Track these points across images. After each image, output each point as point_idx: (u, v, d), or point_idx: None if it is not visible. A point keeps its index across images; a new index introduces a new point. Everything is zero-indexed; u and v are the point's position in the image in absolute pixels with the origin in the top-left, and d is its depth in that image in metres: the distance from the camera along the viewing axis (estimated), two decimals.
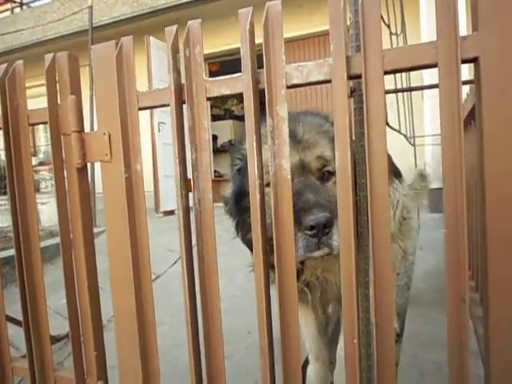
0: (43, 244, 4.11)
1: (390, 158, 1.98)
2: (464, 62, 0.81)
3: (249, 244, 1.44)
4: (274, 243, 0.97)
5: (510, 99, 0.78)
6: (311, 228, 1.20)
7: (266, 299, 0.99)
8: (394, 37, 2.63)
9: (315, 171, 1.38)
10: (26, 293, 1.31)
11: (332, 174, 1.36)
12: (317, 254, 1.25)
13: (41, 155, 8.20)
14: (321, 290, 1.54)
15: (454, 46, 0.79)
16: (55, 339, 2.47)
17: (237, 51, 0.96)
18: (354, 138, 1.02)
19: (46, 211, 5.13)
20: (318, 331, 1.88)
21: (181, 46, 1.03)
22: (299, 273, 1.47)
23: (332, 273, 1.45)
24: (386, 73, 0.87)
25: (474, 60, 0.81)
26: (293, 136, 1.32)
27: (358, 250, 0.94)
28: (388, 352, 0.89)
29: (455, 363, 0.84)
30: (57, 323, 2.28)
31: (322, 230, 1.20)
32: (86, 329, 1.23)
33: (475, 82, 0.83)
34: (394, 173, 2.03)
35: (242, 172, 1.46)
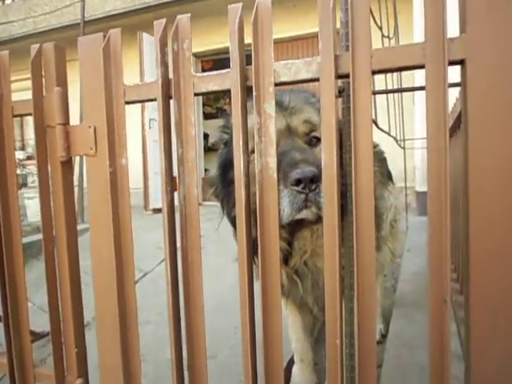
0: (29, 239, 4.05)
1: (385, 160, 1.98)
2: (451, 63, 0.81)
3: (234, 221, 1.40)
4: (259, 242, 0.96)
5: (496, 102, 0.78)
6: (298, 182, 1.16)
7: (249, 290, 0.98)
8: (386, 40, 2.64)
9: (302, 135, 1.36)
10: (6, 289, 1.29)
11: (320, 140, 1.34)
12: (304, 214, 1.21)
13: (29, 149, 8.11)
14: (311, 278, 1.50)
15: (441, 47, 0.79)
16: (39, 336, 2.44)
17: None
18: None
19: (33, 206, 5.06)
20: (304, 331, 1.88)
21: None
22: (288, 257, 1.44)
23: (321, 258, 1.41)
24: (374, 72, 0.87)
25: (461, 62, 0.81)
26: (279, 105, 1.31)
27: (342, 245, 0.94)
28: (369, 352, 0.89)
29: (436, 364, 0.84)
30: (41, 320, 2.25)
31: (309, 185, 1.16)
32: (66, 326, 1.21)
33: (462, 84, 0.83)
34: (389, 176, 2.03)
35: (229, 144, 1.41)
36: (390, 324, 2.06)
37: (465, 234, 0.85)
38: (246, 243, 0.96)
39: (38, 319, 2.18)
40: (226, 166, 1.41)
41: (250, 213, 0.97)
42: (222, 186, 1.48)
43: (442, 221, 0.82)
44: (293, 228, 1.36)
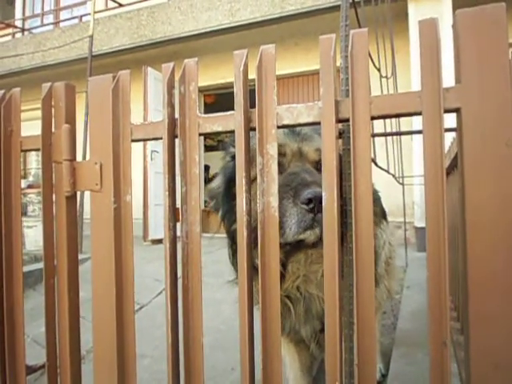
0: (27, 269, 4.01)
1: (379, 199, 2.01)
2: (447, 111, 0.84)
3: (232, 236, 1.42)
4: (260, 279, 0.97)
5: (490, 148, 0.81)
6: (309, 201, 1.18)
7: (249, 327, 0.98)
8: (384, 79, 2.72)
9: (312, 161, 1.40)
10: (3, 321, 1.27)
11: None
12: (308, 234, 1.23)
13: (30, 178, 8.14)
14: (304, 305, 1.48)
15: (437, 96, 0.83)
16: (31, 369, 2.38)
17: (232, 85, 1.00)
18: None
19: (32, 235, 5.04)
20: (302, 370, 1.84)
21: (177, 78, 1.06)
22: (280, 278, 1.44)
23: (314, 284, 1.42)
24: (373, 118, 0.90)
25: (456, 110, 0.85)
26: (291, 130, 1.38)
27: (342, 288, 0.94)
28: None
29: None
30: (34, 352, 2.21)
31: (319, 206, 1.16)
32: (63, 360, 1.20)
33: (457, 130, 0.87)
34: (382, 214, 2.05)
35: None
36: (390, 363, 2.02)
37: (463, 272, 0.86)
38: (247, 286, 0.97)
39: (31, 351, 2.14)
40: (231, 181, 1.42)
41: (252, 254, 0.99)
42: (224, 200, 1.49)
43: (440, 263, 0.83)
44: (290, 249, 1.37)
